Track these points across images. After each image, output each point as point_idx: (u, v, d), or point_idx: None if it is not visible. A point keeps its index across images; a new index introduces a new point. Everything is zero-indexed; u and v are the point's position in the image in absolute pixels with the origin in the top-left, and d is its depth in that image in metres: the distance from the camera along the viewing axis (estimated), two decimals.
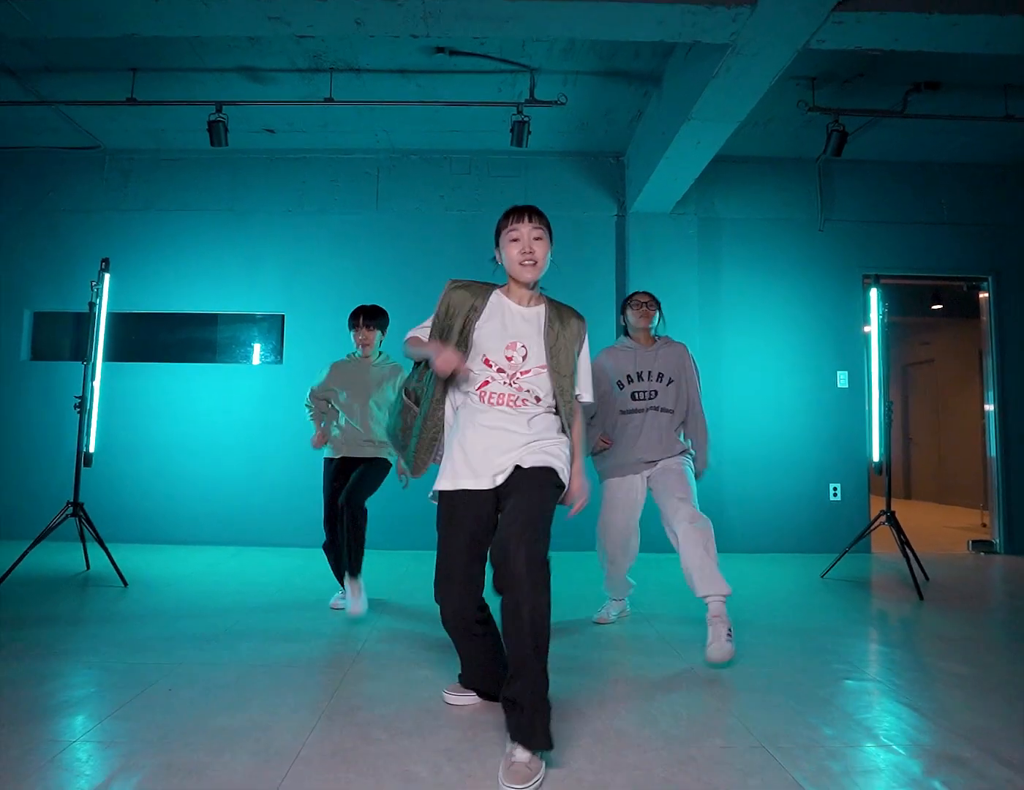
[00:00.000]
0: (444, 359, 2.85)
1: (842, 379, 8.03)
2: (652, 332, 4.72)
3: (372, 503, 4.83)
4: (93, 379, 6.15)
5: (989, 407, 8.24)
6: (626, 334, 4.80)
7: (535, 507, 2.80)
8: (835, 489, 7.92)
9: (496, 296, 3.12)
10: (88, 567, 6.16)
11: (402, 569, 6.49)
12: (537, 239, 3.02)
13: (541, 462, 2.94)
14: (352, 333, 5.09)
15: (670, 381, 4.60)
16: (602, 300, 8.04)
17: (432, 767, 2.59)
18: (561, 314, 3.15)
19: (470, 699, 3.25)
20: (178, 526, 7.77)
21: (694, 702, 3.32)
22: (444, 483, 2.97)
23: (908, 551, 5.94)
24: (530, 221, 3.02)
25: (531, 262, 3.00)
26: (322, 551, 5.06)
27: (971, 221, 8.26)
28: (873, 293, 6.64)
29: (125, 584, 5.60)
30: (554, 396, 3.06)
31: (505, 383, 2.98)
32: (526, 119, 6.53)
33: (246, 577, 6.12)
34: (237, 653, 3.95)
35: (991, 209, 8.28)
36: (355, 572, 4.65)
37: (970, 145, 7.80)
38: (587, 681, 3.57)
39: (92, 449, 6.28)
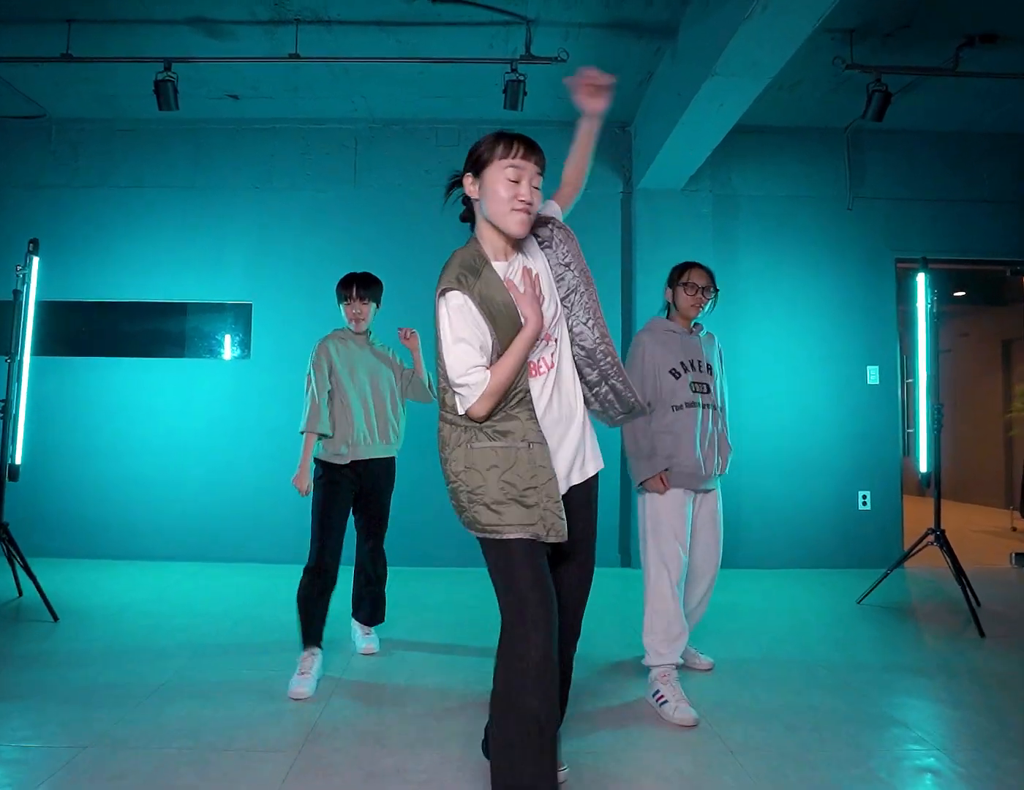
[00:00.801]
0: None
1: (872, 375, 7.26)
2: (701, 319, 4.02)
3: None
4: (20, 378, 5.36)
5: None
6: (667, 315, 4.03)
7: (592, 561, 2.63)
8: (864, 497, 7.15)
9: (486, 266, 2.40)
10: (20, 593, 5.38)
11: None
12: (536, 188, 2.35)
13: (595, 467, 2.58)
14: (342, 306, 4.17)
15: (713, 374, 3.91)
16: (606, 286, 7.17)
17: None
18: (530, 248, 2.57)
19: None
20: (131, 540, 7.00)
21: None
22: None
23: (963, 580, 5.19)
24: (535, 162, 2.34)
25: (526, 214, 2.33)
26: (295, 583, 3.97)
27: (1015, 198, 7.46)
28: (920, 278, 5.85)
29: (55, 619, 4.86)
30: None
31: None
32: (521, 78, 5.70)
33: (200, 605, 5.38)
34: (163, 727, 3.19)
35: None
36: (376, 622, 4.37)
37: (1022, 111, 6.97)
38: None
39: (19, 461, 5.48)
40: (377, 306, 4.24)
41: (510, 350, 2.26)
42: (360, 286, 4.12)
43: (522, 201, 2.30)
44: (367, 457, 4.09)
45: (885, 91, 5.79)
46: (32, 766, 2.80)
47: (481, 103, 6.92)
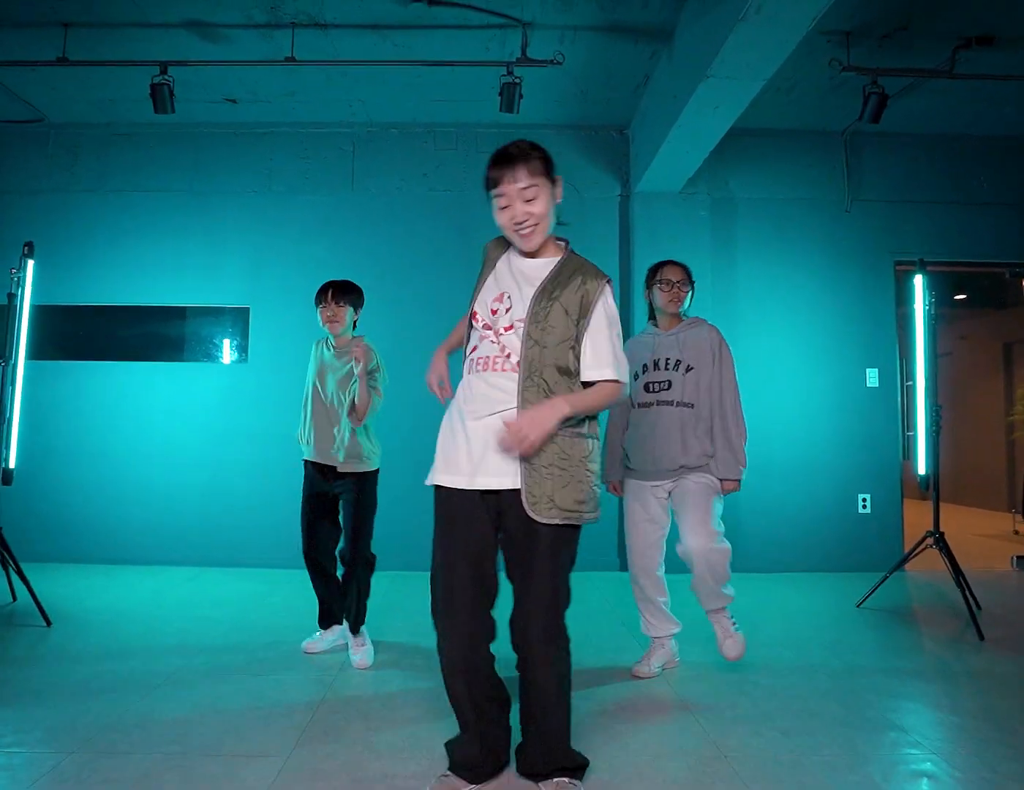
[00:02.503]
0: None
1: (871, 377, 7.23)
2: (682, 315, 4.02)
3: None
4: (14, 382, 5.34)
5: None
6: (651, 317, 4.10)
7: (547, 578, 2.49)
8: (864, 500, 7.13)
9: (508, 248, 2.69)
10: (15, 598, 5.36)
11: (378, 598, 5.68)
12: (530, 200, 2.40)
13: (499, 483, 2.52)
14: (318, 310, 4.22)
15: (689, 368, 3.86)
16: None
17: None
18: (573, 272, 2.58)
19: None
20: (127, 544, 6.98)
21: None
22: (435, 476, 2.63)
23: (962, 582, 5.16)
24: (516, 178, 2.38)
25: (528, 229, 2.47)
26: (298, 573, 4.38)
27: (1014, 201, 7.44)
28: (918, 280, 5.83)
29: (48, 623, 4.82)
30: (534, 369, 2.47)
31: (491, 342, 2.54)
32: (517, 81, 5.68)
33: (195, 611, 5.34)
34: (151, 732, 3.14)
35: None
36: (358, 628, 4.17)
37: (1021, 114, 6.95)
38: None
39: (12, 465, 5.45)
40: (355, 312, 4.25)
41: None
42: (336, 290, 4.16)
43: (517, 223, 2.44)
44: (326, 464, 4.14)
45: (882, 93, 5.77)
46: (16, 772, 2.76)
47: (478, 106, 6.89)
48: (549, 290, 2.50)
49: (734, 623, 3.93)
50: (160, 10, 5.53)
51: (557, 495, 2.42)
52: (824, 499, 7.13)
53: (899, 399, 7.15)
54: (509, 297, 2.53)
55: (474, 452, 2.47)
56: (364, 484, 4.15)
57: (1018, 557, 7.27)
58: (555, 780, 2.52)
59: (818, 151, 7.44)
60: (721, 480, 3.89)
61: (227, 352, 7.34)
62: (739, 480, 3.93)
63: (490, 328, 2.53)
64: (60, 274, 7.05)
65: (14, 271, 5.31)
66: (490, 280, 2.63)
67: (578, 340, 2.51)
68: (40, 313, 6.48)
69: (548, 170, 2.49)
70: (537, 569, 2.46)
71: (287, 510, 4.31)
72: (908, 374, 6.44)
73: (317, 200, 7.37)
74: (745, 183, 7.40)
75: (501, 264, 2.64)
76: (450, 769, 2.61)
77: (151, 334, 7.31)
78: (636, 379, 3.92)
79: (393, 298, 6.88)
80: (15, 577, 5.16)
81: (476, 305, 2.59)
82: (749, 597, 5.76)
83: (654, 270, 4.02)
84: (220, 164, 7.44)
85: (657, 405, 3.86)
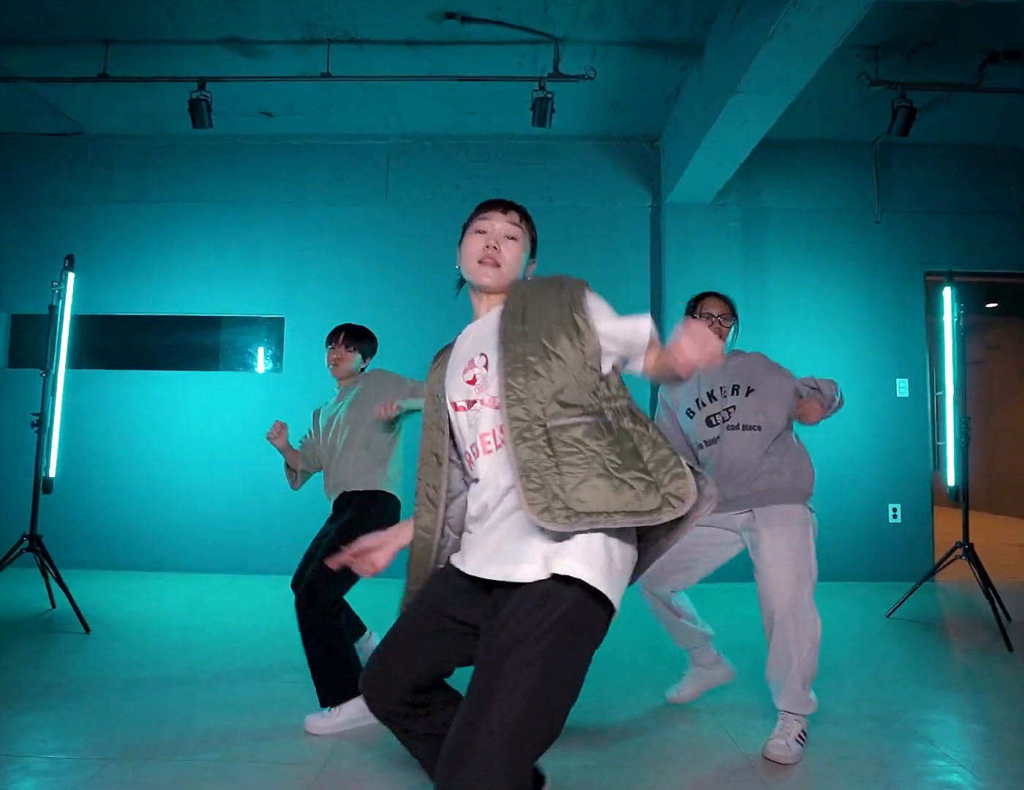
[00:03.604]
0: None
1: (902, 388, 7.26)
2: (725, 351, 3.65)
3: None
4: (55, 392, 5.50)
5: None
6: None
7: (516, 706, 1.68)
8: (895, 510, 7.15)
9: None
10: (53, 605, 5.49)
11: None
12: (511, 238, 2.19)
13: (558, 570, 1.80)
14: (327, 350, 4.13)
15: (749, 390, 3.59)
16: (634, 299, 7.25)
17: None
18: (537, 289, 2.13)
19: None
20: (164, 552, 7.12)
21: None
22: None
23: (991, 592, 5.17)
24: (506, 214, 2.21)
25: (491, 262, 2.15)
26: None
27: None
28: (947, 292, 5.87)
29: (87, 630, 4.94)
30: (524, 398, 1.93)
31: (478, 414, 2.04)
32: (549, 95, 5.78)
33: (230, 618, 5.46)
34: (190, 740, 3.24)
35: None
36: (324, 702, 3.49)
37: None
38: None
39: (52, 474, 5.59)
40: (364, 359, 4.15)
41: None
42: (349, 335, 4.08)
43: (487, 249, 2.16)
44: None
45: (910, 107, 5.83)
46: (59, 777, 2.87)
47: (510, 119, 6.99)
48: (513, 317, 2.07)
49: (803, 737, 3.23)
50: (199, 27, 5.67)
51: None
52: (855, 509, 7.14)
53: (929, 409, 7.16)
54: (484, 354, 2.09)
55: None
56: (362, 501, 3.92)
57: None
58: None
59: (848, 162, 7.49)
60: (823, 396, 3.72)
61: (262, 361, 7.48)
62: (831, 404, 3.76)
63: (473, 401, 2.06)
64: (97, 284, 7.20)
65: (55, 284, 5.44)
66: (447, 368, 2.21)
67: (587, 338, 1.99)
68: (79, 323, 6.61)
69: (534, 238, 2.30)
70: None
71: (321, 519, 4.33)
72: (938, 384, 6.46)
73: (351, 211, 7.50)
74: (776, 194, 7.46)
75: (446, 357, 2.25)
76: None
77: (187, 344, 7.48)
78: (692, 417, 3.63)
79: (424, 310, 6.96)
80: (54, 584, 5.30)
81: (450, 395, 2.12)
82: None
83: (695, 302, 3.77)
84: (256, 176, 7.58)
85: (725, 431, 3.55)
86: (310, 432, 4.26)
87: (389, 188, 7.54)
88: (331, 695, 3.44)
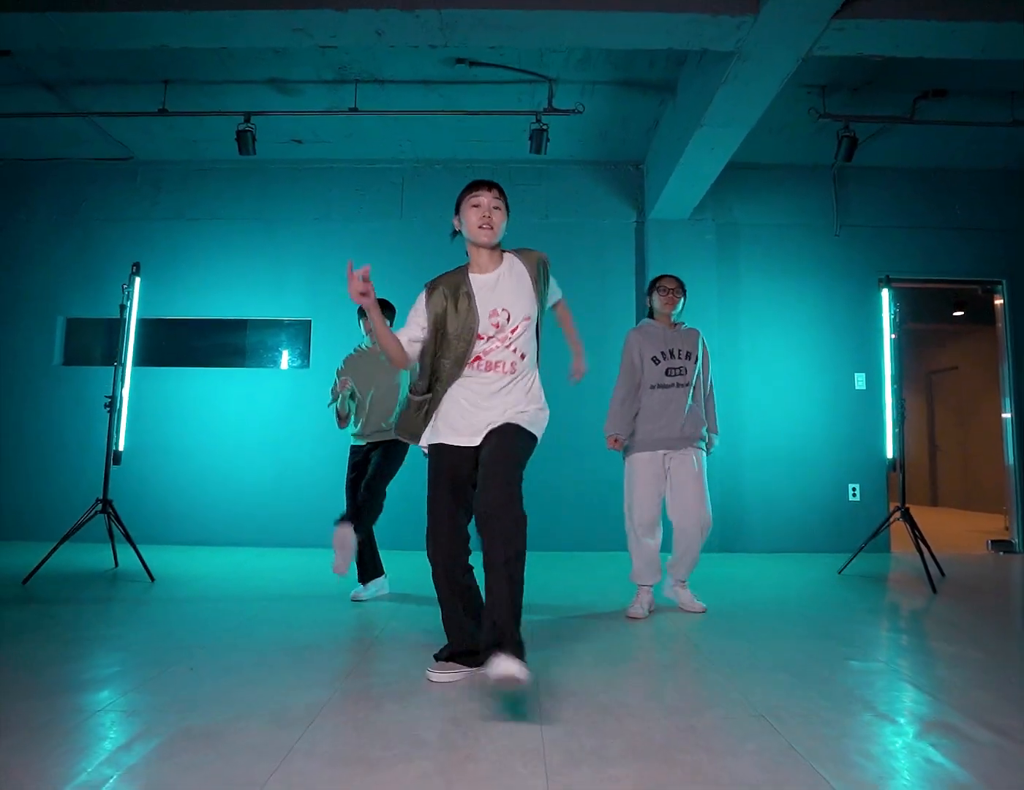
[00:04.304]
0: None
1: (860, 381, 8.10)
2: (675, 318, 4.88)
3: (392, 504, 5.18)
4: (123, 381, 6.32)
5: (1006, 415, 8.35)
6: (650, 317, 4.97)
7: (508, 448, 3.21)
8: (854, 489, 7.98)
9: (466, 275, 3.41)
10: (116, 564, 6.30)
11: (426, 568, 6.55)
12: (496, 209, 3.31)
13: (514, 419, 3.30)
14: (360, 323, 5.45)
15: (690, 356, 4.80)
16: (621, 306, 8.19)
17: (439, 733, 2.69)
18: (523, 256, 3.45)
19: (454, 674, 3.32)
20: (203, 527, 7.94)
21: (699, 679, 3.43)
22: (430, 437, 3.44)
23: (923, 546, 5.97)
24: (490, 191, 3.33)
25: (488, 226, 3.28)
26: None
27: (984, 225, 8.33)
28: (884, 294, 6.76)
29: (152, 579, 5.73)
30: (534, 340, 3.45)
31: (500, 348, 3.33)
32: (544, 127, 6.71)
33: (270, 574, 6.25)
34: (257, 639, 4.06)
35: (1004, 213, 8.36)
36: (348, 519, 4.85)
37: (979, 150, 7.92)
38: (598, 665, 3.64)
39: (121, 448, 6.47)
40: (391, 325, 5.20)
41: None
42: None
43: (483, 217, 3.27)
44: (373, 441, 5.25)
45: (853, 137, 6.81)
46: (161, 653, 3.73)
47: (510, 146, 7.92)
48: (534, 279, 3.40)
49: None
50: (245, 69, 6.57)
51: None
52: (818, 488, 7.99)
53: (883, 400, 7.90)
54: (503, 309, 3.32)
55: (477, 423, 3.33)
56: (393, 445, 5.16)
57: (993, 541, 8.13)
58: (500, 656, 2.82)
59: (809, 182, 8.38)
60: (710, 436, 4.92)
61: (290, 359, 8.41)
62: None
63: (493, 337, 3.33)
64: (145, 291, 7.90)
65: (124, 286, 6.29)
66: (471, 305, 3.32)
67: (541, 295, 3.43)
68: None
69: (507, 207, 3.39)
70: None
71: (343, 499, 5.26)
72: (893, 378, 7.22)
73: (370, 227, 8.36)
74: (747, 211, 8.33)
75: (461, 293, 3.35)
76: (447, 658, 3.37)
77: (224, 344, 8.38)
78: (657, 364, 4.75)
79: None
80: (119, 546, 6.21)
81: (479, 328, 3.31)
82: (748, 571, 6.63)
83: (655, 280, 4.93)
84: (285, 195, 8.46)
85: (674, 387, 4.72)
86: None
87: (404, 206, 8.41)
88: (364, 575, 5.22)
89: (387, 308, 5.22)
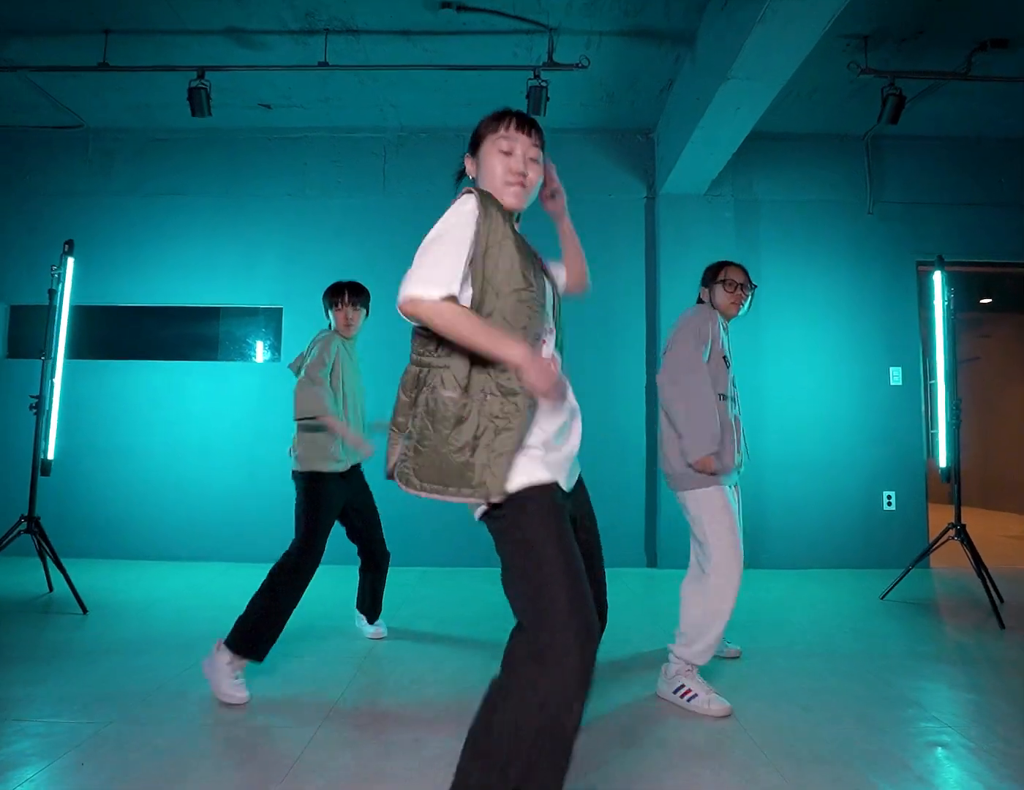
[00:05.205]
0: (541, 372, 1.93)
1: (895, 376, 7.31)
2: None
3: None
4: (53, 377, 5.55)
5: None
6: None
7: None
8: (889, 497, 7.19)
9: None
10: (51, 588, 5.55)
11: (408, 590, 5.81)
12: (533, 160, 2.22)
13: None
14: (332, 312, 4.19)
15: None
16: (630, 289, 7.38)
17: None
18: None
19: None
20: (160, 540, 7.17)
21: (746, 776, 2.62)
22: (541, 473, 2.01)
23: (983, 572, 5.23)
24: (529, 135, 2.22)
25: (520, 183, 2.19)
26: (324, 569, 4.42)
27: None
28: (936, 277, 5.94)
29: (84, 611, 4.99)
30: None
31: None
32: (544, 84, 5.84)
33: (235, 599, 5.40)
34: (181, 711, 3.26)
35: None
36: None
37: None
38: (620, 751, 2.86)
39: (51, 456, 5.68)
40: (366, 313, 4.29)
41: (491, 336, 1.97)
42: (351, 292, 4.17)
43: (514, 173, 2.19)
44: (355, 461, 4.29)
45: (899, 95, 5.89)
46: (57, 738, 2.91)
47: None
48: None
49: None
50: (198, 17, 5.73)
51: None
52: (849, 496, 7.19)
53: (922, 397, 7.20)
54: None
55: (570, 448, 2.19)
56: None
57: None
58: None
59: (840, 154, 7.55)
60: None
61: (260, 352, 7.53)
62: None
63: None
64: (96, 275, 7.27)
65: (54, 267, 5.50)
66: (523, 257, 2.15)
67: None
68: (78, 313, 6.68)
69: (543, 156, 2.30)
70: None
71: None
72: (931, 373, 6.50)
73: (349, 203, 7.56)
74: (769, 186, 7.51)
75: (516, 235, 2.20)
76: None
77: (186, 334, 7.54)
78: (728, 366, 3.70)
79: None
80: (52, 569, 5.37)
81: (531, 278, 2.14)
82: (775, 591, 5.88)
83: (717, 268, 3.86)
84: (255, 168, 7.64)
85: (734, 402, 3.70)
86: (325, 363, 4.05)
87: (387, 180, 7.60)
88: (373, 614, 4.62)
89: (360, 292, 4.22)
